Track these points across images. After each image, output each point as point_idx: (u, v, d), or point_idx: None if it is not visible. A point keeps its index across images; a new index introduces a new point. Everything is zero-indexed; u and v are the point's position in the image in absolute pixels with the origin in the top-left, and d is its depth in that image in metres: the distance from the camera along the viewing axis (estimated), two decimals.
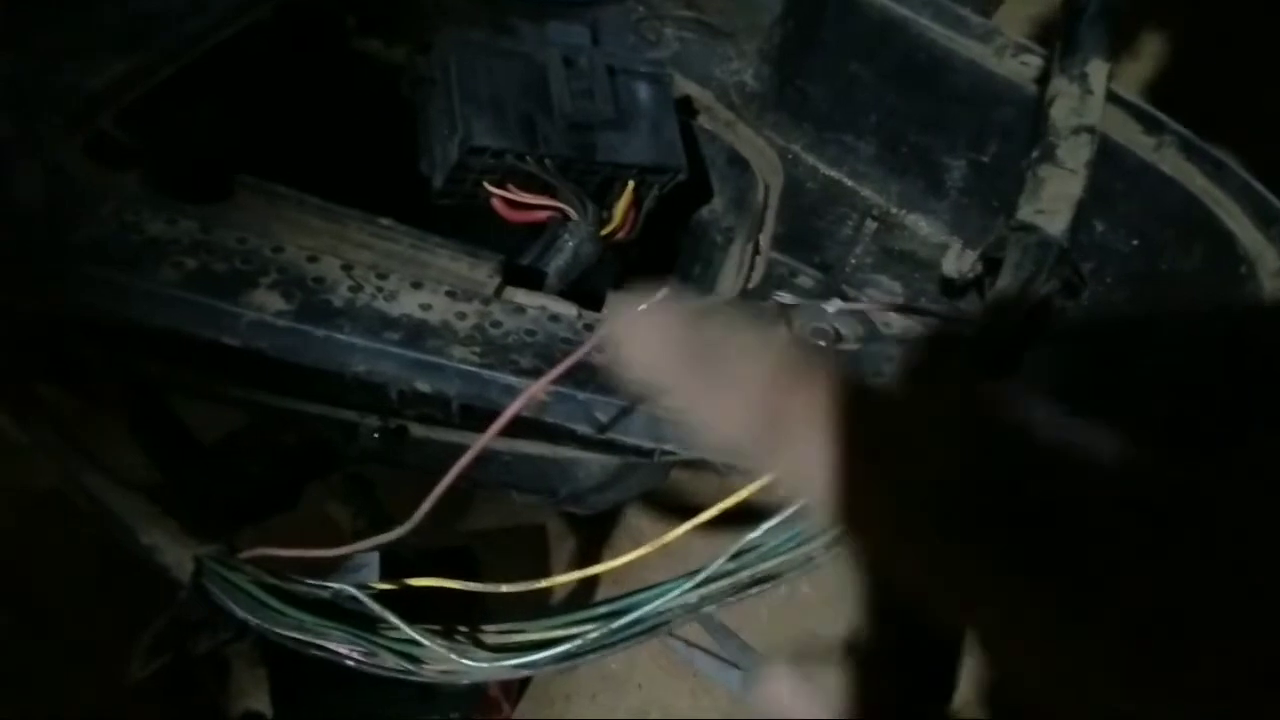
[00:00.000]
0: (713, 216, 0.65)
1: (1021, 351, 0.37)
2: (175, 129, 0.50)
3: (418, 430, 0.53)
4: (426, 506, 0.37)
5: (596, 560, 1.04)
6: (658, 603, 0.38)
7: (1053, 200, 0.40)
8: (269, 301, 0.41)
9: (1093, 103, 0.41)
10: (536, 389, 0.37)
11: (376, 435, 0.51)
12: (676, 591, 0.38)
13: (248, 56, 0.56)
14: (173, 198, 0.45)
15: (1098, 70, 0.42)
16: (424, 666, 0.38)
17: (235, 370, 0.48)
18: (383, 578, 0.72)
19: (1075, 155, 0.40)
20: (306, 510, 0.68)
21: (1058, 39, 0.44)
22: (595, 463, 0.55)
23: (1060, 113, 0.41)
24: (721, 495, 0.41)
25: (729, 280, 0.60)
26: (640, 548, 1.05)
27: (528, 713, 0.98)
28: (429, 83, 0.53)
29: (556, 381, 0.41)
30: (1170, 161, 0.46)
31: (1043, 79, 0.46)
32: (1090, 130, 0.41)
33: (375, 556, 0.74)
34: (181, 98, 0.52)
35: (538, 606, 0.94)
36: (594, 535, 1.08)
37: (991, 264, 0.42)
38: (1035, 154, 0.42)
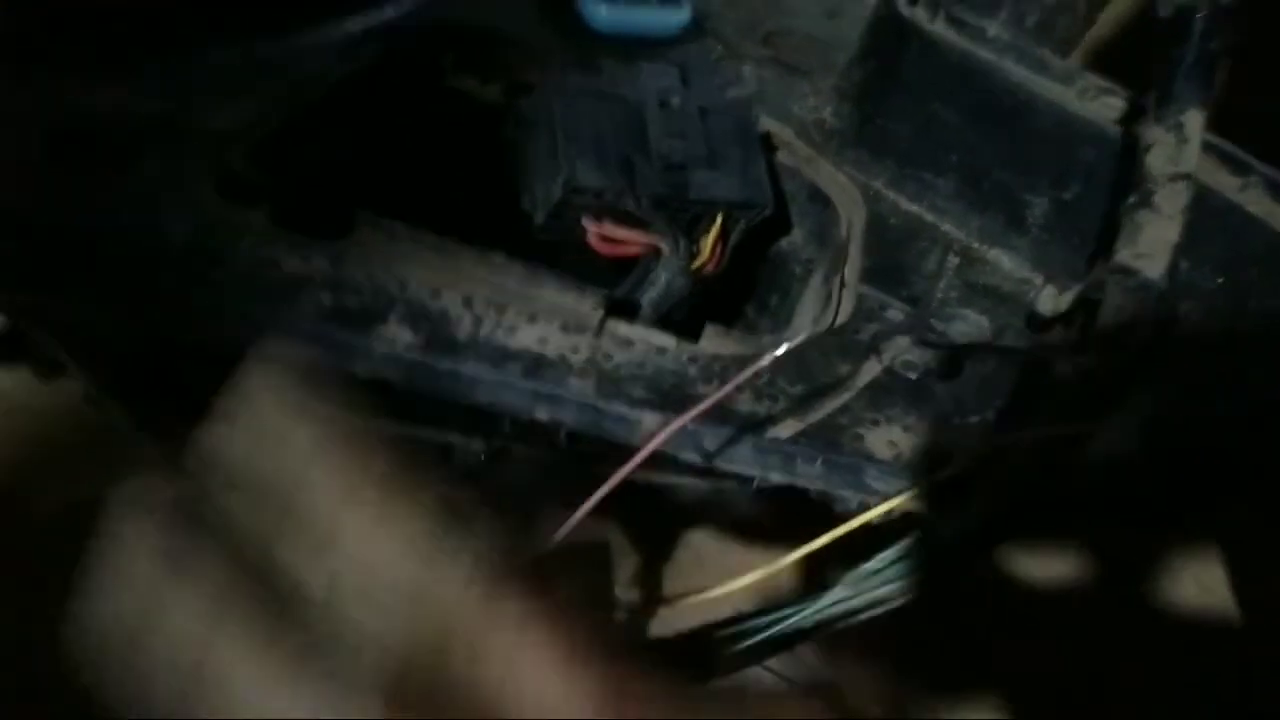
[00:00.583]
0: (792, 249, 0.67)
1: (1123, 391, 0.38)
2: (298, 168, 0.54)
3: (519, 452, 0.56)
4: (566, 528, 0.40)
5: (657, 579, 1.06)
6: (777, 629, 0.40)
7: (1150, 244, 0.42)
8: (399, 335, 0.43)
9: (1188, 151, 0.43)
10: (681, 422, 0.40)
11: (483, 458, 0.53)
12: (796, 617, 0.40)
13: (358, 97, 0.60)
14: (301, 234, 0.48)
15: (1193, 119, 0.44)
16: None
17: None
18: None
19: (1172, 202, 0.42)
20: None
21: (1151, 88, 0.46)
22: (687, 488, 0.57)
23: (1157, 160, 0.43)
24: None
25: (808, 311, 0.63)
26: (701, 566, 1.07)
27: None
28: (531, 124, 0.56)
29: (666, 412, 0.44)
30: (1256, 202, 0.47)
31: (1126, 120, 0.48)
32: (1186, 178, 0.43)
33: None
34: (302, 138, 0.55)
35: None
36: (657, 552, 1.10)
37: (1089, 305, 0.44)
38: (1132, 200, 0.43)
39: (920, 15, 0.58)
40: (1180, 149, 0.43)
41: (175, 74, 0.54)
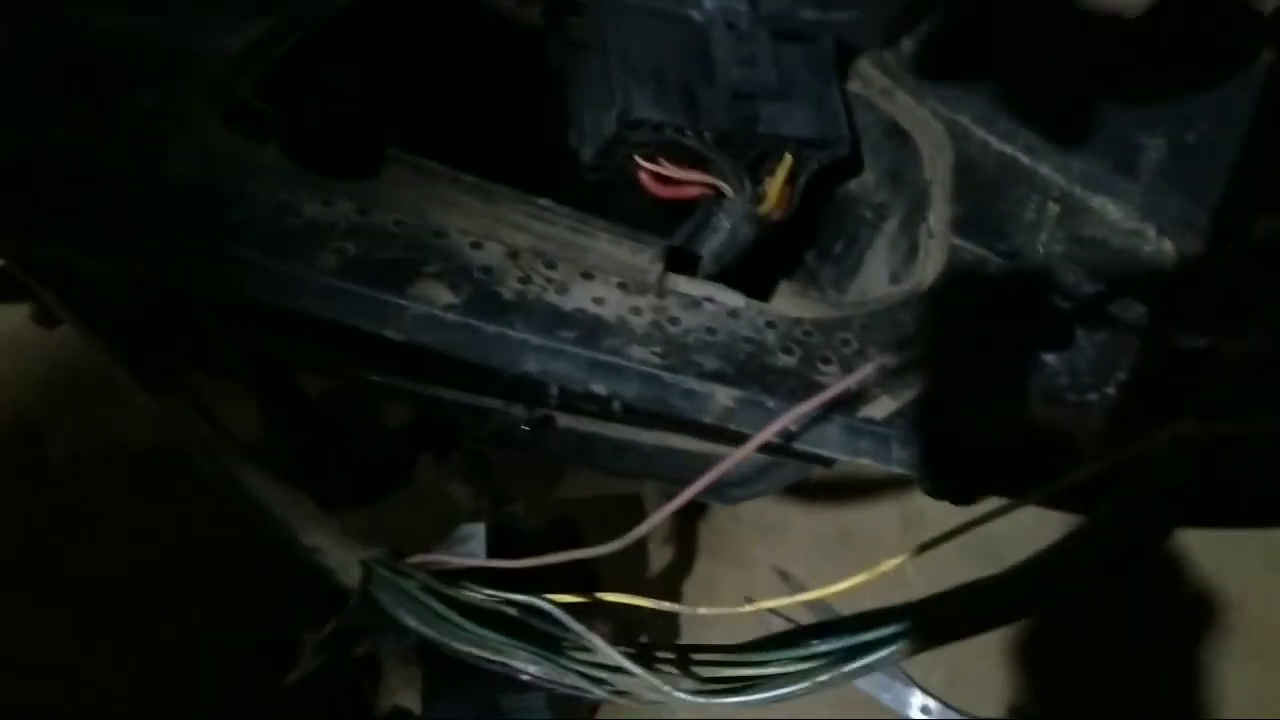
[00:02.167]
0: (863, 191, 0.60)
1: None
2: (315, 96, 0.47)
3: (563, 420, 0.51)
4: (644, 529, 0.35)
5: (693, 534, 1.02)
6: (890, 649, 0.34)
7: None
8: (437, 294, 0.38)
9: None
10: (789, 419, 0.34)
11: (526, 427, 0.48)
12: (899, 628, 0.35)
13: (380, 17, 0.53)
14: (322, 173, 0.42)
15: None
16: (607, 688, 0.36)
17: (386, 358, 0.45)
18: (492, 550, 0.70)
19: None
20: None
21: None
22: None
23: None
24: None
25: (881, 262, 0.56)
26: (738, 521, 1.01)
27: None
28: (581, 48, 0.49)
29: (742, 387, 0.38)
30: None
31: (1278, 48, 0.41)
32: None
33: (481, 529, 0.72)
34: (317, 62, 0.49)
35: (633, 580, 0.93)
36: (691, 507, 1.06)
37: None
38: None
39: None
40: None
41: None
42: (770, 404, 0.38)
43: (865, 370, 0.34)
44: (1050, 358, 0.41)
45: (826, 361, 0.39)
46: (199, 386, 0.46)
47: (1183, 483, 0.33)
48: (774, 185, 0.52)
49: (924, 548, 0.33)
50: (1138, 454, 0.33)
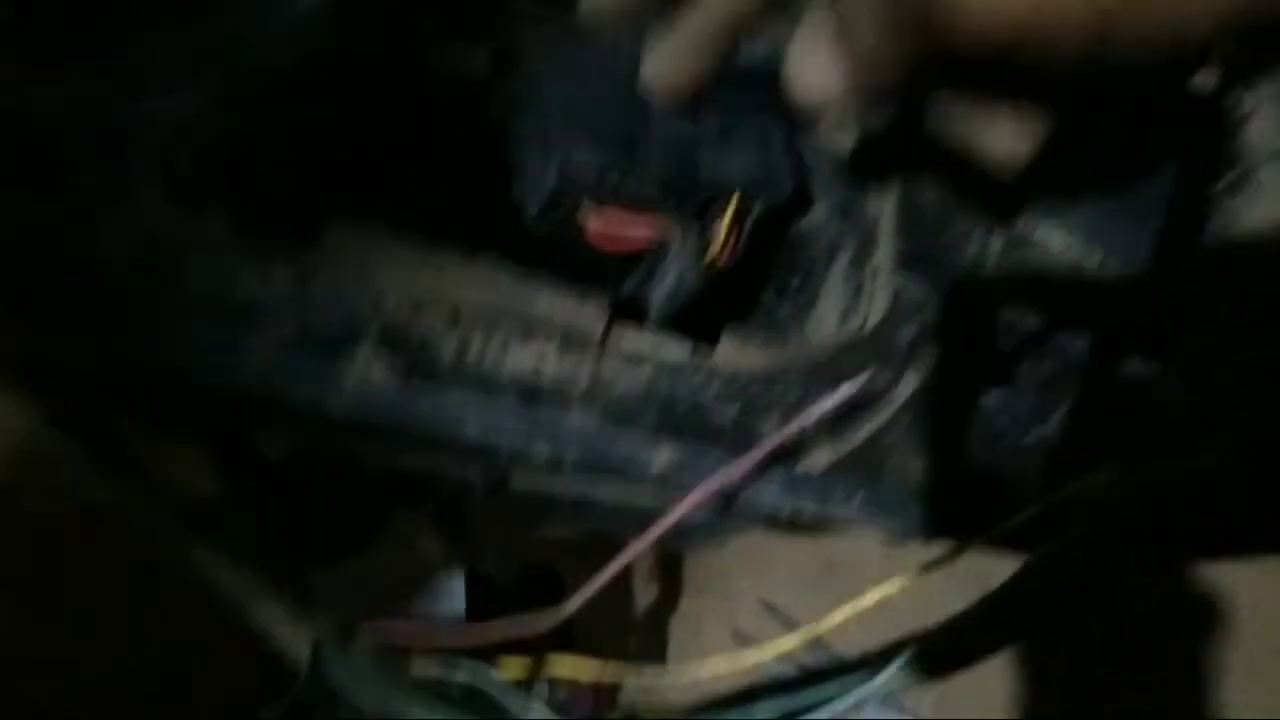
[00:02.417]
0: (814, 228, 0.60)
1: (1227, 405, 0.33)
2: (258, 164, 0.48)
3: (520, 481, 0.51)
4: (576, 603, 0.35)
5: (678, 569, 1.02)
6: (850, 698, 0.34)
7: (1255, 229, 0.35)
8: (375, 364, 0.38)
9: None
10: (714, 487, 0.34)
11: (480, 491, 0.48)
12: (864, 689, 0.35)
13: (328, 77, 0.53)
14: (262, 242, 0.42)
15: None
16: None
17: (333, 429, 0.45)
18: (471, 599, 0.70)
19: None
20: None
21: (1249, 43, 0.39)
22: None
23: (1256, 133, 0.37)
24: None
25: (834, 300, 0.57)
26: (721, 556, 1.01)
27: None
28: (518, 102, 0.50)
29: (681, 443, 0.38)
30: None
31: (1215, 82, 0.41)
32: None
33: (460, 580, 0.72)
34: (261, 128, 0.49)
35: (618, 617, 0.93)
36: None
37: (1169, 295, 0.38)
38: (1230, 177, 0.37)
39: None
40: None
41: (114, 61, 0.48)
42: (711, 458, 0.38)
43: (794, 426, 0.34)
44: (991, 397, 0.41)
45: (767, 412, 0.39)
46: (154, 452, 0.46)
47: (1121, 525, 0.33)
48: (720, 230, 0.52)
49: (879, 597, 0.33)
50: (1075, 497, 0.33)
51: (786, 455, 0.38)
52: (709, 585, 0.95)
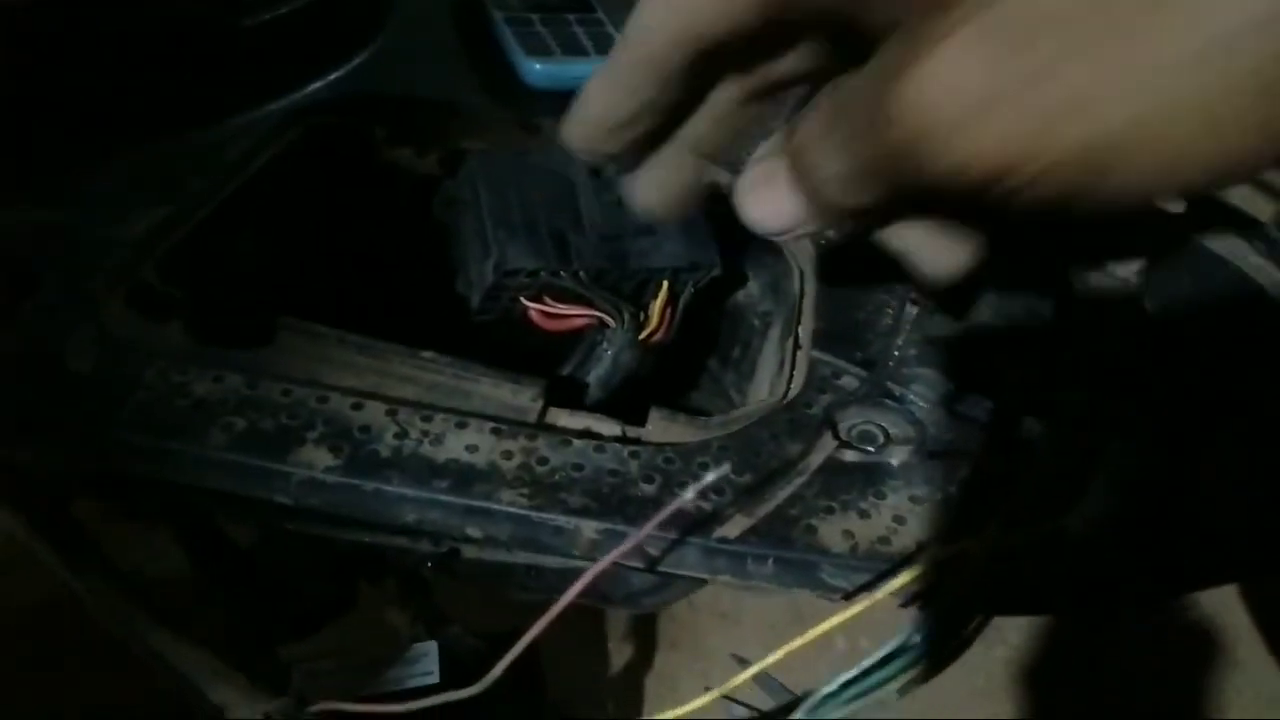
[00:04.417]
0: (749, 300, 0.64)
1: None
2: (216, 272, 0.51)
3: (469, 551, 0.53)
4: (499, 670, 0.37)
5: (652, 627, 1.04)
6: None
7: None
8: (317, 458, 0.41)
9: None
10: (607, 561, 0.37)
11: (430, 564, 0.51)
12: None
13: (283, 184, 0.57)
14: (217, 347, 0.46)
15: None
16: None
17: (288, 517, 0.48)
18: (445, 669, 0.72)
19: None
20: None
21: None
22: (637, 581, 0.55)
23: None
24: None
25: (767, 371, 0.60)
26: (694, 613, 1.04)
27: None
28: (460, 204, 0.54)
29: (604, 519, 0.41)
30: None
31: None
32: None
33: (433, 647, 0.74)
34: (220, 237, 0.53)
35: (594, 677, 0.94)
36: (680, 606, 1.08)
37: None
38: None
39: None
40: None
41: (76, 181, 0.52)
42: (631, 533, 0.41)
43: (681, 499, 0.37)
44: (894, 464, 0.44)
45: (683, 486, 0.42)
46: (123, 537, 0.49)
47: (997, 584, 0.36)
48: (655, 309, 0.56)
49: (807, 640, 0.36)
50: (952, 560, 0.36)
51: (703, 523, 0.41)
52: (683, 642, 0.97)
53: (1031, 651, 0.99)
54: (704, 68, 0.27)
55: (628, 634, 0.97)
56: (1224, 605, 1.08)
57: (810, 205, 0.25)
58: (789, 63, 0.29)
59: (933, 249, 0.29)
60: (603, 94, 0.29)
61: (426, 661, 0.74)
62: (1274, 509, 0.40)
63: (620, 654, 0.97)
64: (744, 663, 0.67)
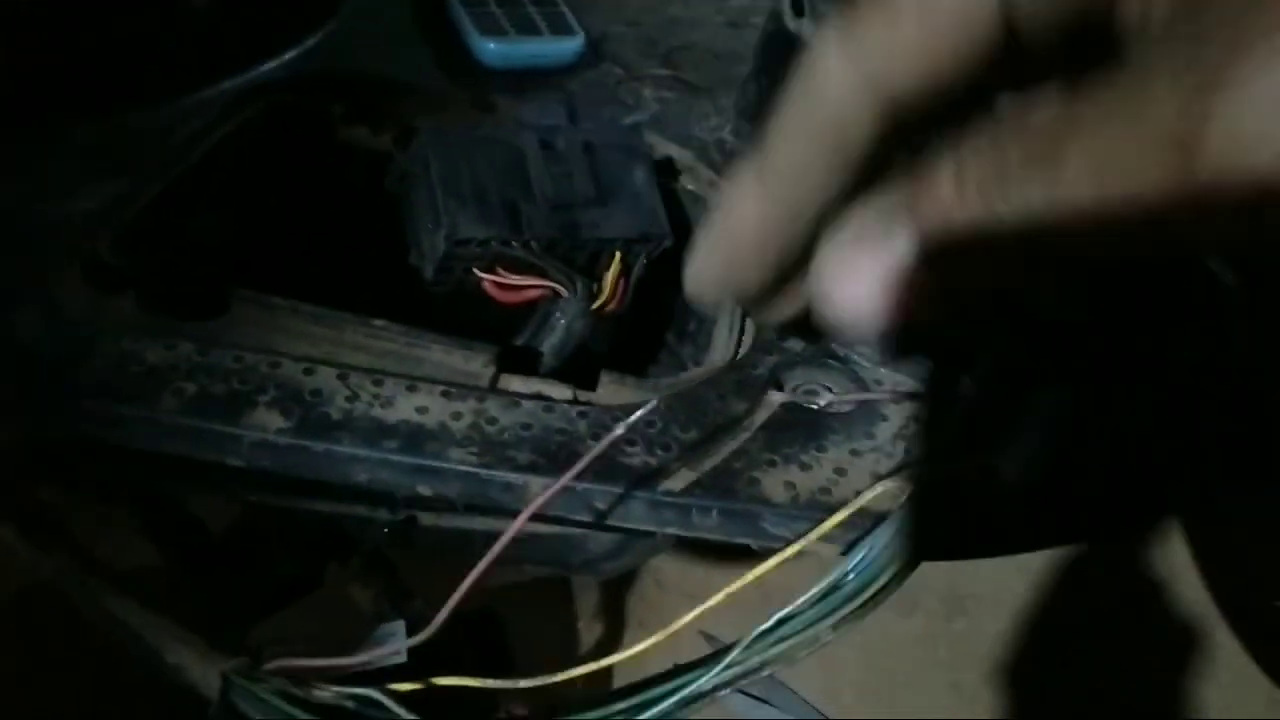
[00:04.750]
0: None
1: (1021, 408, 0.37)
2: (171, 246, 0.52)
3: (426, 519, 0.54)
4: (443, 615, 0.38)
5: (621, 607, 1.05)
6: (676, 698, 0.38)
7: None
8: (269, 420, 0.42)
9: None
10: (541, 501, 0.38)
11: (386, 530, 0.52)
12: (694, 685, 0.38)
13: (239, 160, 0.58)
14: (170, 318, 0.47)
15: None
16: None
17: (243, 482, 0.49)
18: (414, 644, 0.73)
19: None
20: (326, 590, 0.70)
21: None
22: (605, 535, 0.56)
23: None
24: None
25: (721, 341, 0.61)
26: (663, 590, 1.05)
27: None
28: (411, 176, 0.55)
29: (553, 476, 0.42)
30: None
31: None
32: None
33: (401, 626, 0.75)
34: (175, 212, 0.53)
35: (563, 656, 0.95)
36: (617, 581, 1.09)
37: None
38: None
39: (806, 29, 0.57)
40: None
41: (31, 156, 0.52)
42: (579, 489, 0.42)
43: (602, 445, 0.38)
44: (836, 420, 0.46)
45: (631, 444, 0.43)
46: (89, 520, 0.50)
47: (930, 522, 0.37)
48: (608, 280, 0.57)
49: (716, 601, 0.37)
50: (886, 499, 0.37)
51: (649, 477, 0.42)
52: (652, 621, 0.99)
53: (992, 625, 1.02)
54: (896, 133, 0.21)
55: (597, 613, 0.98)
56: (1208, 608, 1.10)
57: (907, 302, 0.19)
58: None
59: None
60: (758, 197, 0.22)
61: (395, 639, 0.75)
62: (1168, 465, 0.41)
63: (590, 633, 0.98)
64: (712, 639, 0.68)
